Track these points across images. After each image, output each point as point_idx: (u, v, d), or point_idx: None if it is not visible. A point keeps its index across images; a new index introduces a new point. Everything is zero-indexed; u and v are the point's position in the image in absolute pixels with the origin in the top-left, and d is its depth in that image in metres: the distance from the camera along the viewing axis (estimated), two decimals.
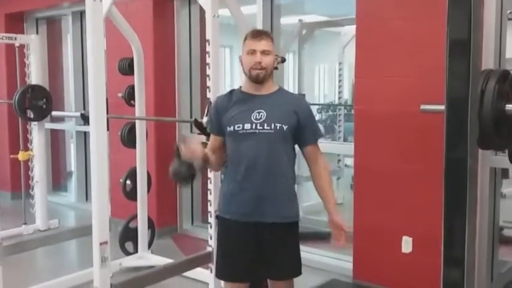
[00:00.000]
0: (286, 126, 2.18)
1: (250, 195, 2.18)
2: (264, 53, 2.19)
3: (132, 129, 4.03)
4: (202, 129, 3.19)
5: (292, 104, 2.25)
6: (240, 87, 2.34)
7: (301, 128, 2.22)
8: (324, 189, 2.24)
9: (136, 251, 4.06)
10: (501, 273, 3.03)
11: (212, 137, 2.36)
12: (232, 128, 2.20)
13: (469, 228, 1.57)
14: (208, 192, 3.14)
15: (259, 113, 2.18)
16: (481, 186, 1.65)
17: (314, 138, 2.28)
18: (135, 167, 4.01)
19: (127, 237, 4.08)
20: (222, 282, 2.37)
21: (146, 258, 3.98)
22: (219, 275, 2.28)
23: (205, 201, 3.59)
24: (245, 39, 2.27)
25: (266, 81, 2.23)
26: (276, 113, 2.19)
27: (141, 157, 3.99)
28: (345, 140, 6.31)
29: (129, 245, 4.08)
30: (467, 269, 1.58)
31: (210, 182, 3.11)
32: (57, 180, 6.66)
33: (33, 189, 5.10)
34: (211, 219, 3.12)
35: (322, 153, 2.31)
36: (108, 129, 2.58)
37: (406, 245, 3.17)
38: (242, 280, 2.23)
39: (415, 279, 3.15)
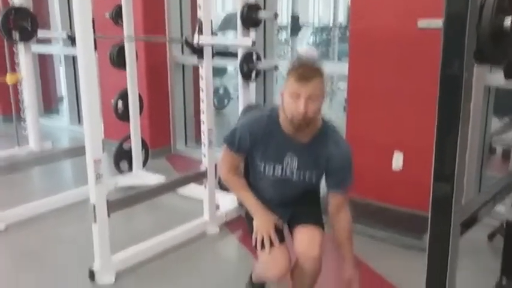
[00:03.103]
0: (316, 177, 2.05)
1: (281, 214, 2.09)
2: (311, 98, 1.85)
3: (121, 50, 3.94)
4: (193, 49, 3.13)
5: (329, 153, 2.00)
6: (278, 120, 2.00)
7: (330, 172, 2.03)
8: (346, 244, 2.05)
9: (131, 170, 4.12)
10: (488, 186, 3.12)
11: (233, 155, 2.09)
12: (262, 166, 2.04)
13: (460, 144, 1.59)
14: (201, 112, 3.13)
15: (291, 158, 2.01)
16: (474, 104, 1.65)
17: (343, 186, 2.06)
18: (126, 89, 3.96)
19: (121, 158, 4.13)
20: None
21: (141, 177, 4.05)
22: (258, 246, 2.07)
23: (198, 122, 3.59)
24: (289, 73, 1.91)
25: (310, 125, 1.95)
26: (308, 163, 2.01)
27: (132, 78, 3.94)
28: (339, 59, 6.26)
29: (123, 166, 4.14)
30: (457, 184, 1.62)
31: (203, 102, 3.10)
32: (49, 104, 6.61)
33: (24, 113, 5.06)
34: (205, 139, 3.14)
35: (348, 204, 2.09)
36: (95, 49, 2.52)
37: (397, 159, 3.22)
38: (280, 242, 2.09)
39: (406, 193, 3.24)
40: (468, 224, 1.84)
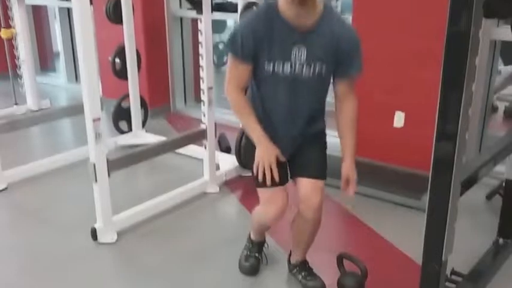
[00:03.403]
0: (327, 67, 1.94)
1: (287, 141, 2.04)
2: None
3: (117, 4, 3.83)
4: (191, 2, 3.05)
5: (336, 36, 1.91)
6: (277, 6, 1.89)
7: (339, 60, 1.94)
8: (347, 133, 2.03)
9: (130, 130, 4.09)
10: (489, 145, 3.11)
11: (240, 66, 1.95)
12: (271, 66, 1.92)
13: (464, 102, 1.55)
14: (200, 69, 3.07)
15: (299, 49, 1.89)
16: (479, 59, 1.61)
17: (351, 72, 1.99)
18: (123, 45, 3.88)
19: (120, 117, 4.09)
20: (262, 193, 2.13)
21: (141, 136, 4.03)
22: (259, 184, 2.05)
23: (197, 80, 3.54)
24: None
25: (311, 3, 1.85)
26: (317, 52, 1.90)
27: (129, 34, 3.85)
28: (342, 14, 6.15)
29: (123, 125, 4.11)
30: (459, 142, 1.60)
31: (202, 58, 3.04)
32: (45, 60, 6.50)
33: (20, 69, 4.99)
34: (204, 97, 3.10)
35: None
36: (91, 3, 2.45)
37: (398, 119, 3.19)
38: (282, 183, 2.05)
39: (405, 153, 3.23)
40: (468, 183, 1.83)
